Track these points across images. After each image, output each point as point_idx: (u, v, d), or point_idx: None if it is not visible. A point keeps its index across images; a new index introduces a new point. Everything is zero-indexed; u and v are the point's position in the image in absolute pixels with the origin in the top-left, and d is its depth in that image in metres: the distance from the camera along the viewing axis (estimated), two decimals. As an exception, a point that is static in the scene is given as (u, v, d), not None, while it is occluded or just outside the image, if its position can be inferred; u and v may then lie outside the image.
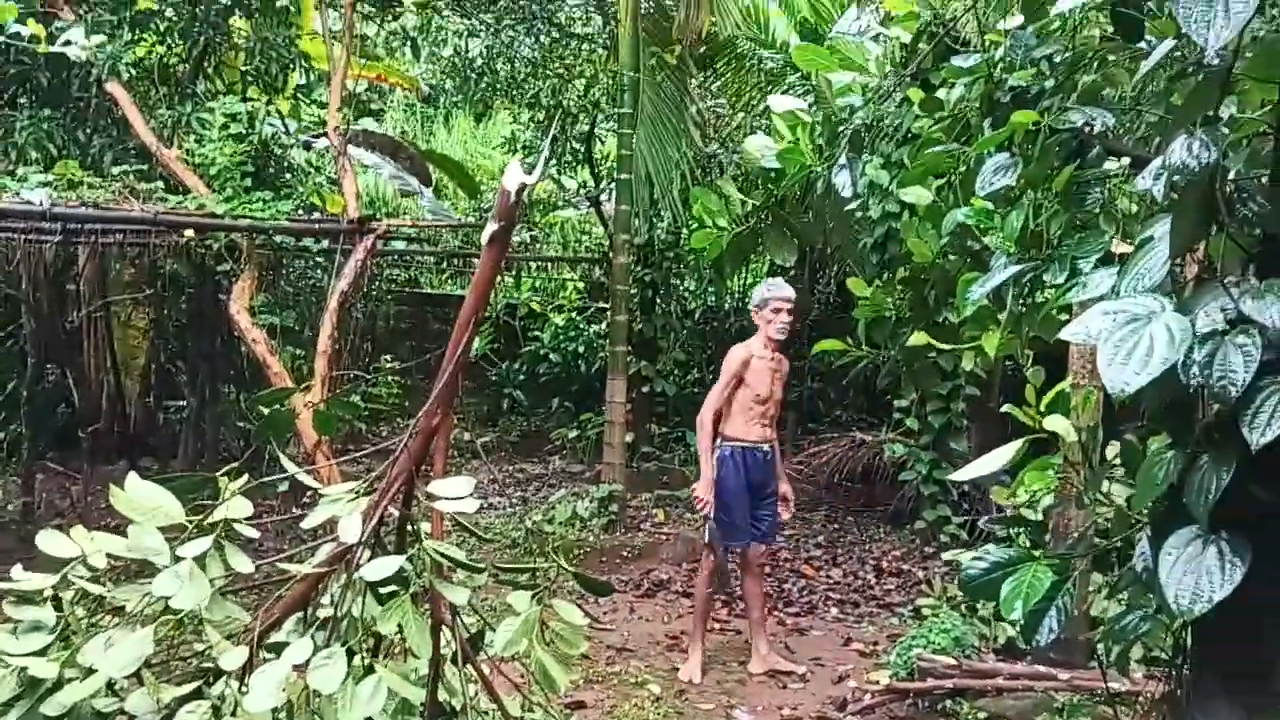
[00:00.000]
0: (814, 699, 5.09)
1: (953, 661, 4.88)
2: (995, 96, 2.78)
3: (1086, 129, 2.62)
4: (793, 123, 3.53)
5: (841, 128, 3.40)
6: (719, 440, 5.33)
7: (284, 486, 6.91)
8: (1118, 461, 2.44)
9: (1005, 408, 2.44)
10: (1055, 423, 2.23)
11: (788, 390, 5.72)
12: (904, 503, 8.18)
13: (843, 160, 3.37)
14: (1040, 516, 5.02)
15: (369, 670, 2.37)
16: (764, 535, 5.50)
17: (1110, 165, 2.76)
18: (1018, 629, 5.13)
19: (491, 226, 2.53)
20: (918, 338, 2.90)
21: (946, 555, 6.60)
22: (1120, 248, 2.50)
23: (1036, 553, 2.28)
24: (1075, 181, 2.64)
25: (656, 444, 10.76)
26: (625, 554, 7.62)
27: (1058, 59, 2.66)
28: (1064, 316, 2.68)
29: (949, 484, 7.76)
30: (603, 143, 12.09)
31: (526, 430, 11.87)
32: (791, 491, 5.54)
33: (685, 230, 10.67)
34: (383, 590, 2.89)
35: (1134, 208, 2.76)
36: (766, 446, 5.39)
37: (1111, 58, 2.66)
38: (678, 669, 5.35)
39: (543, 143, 10.55)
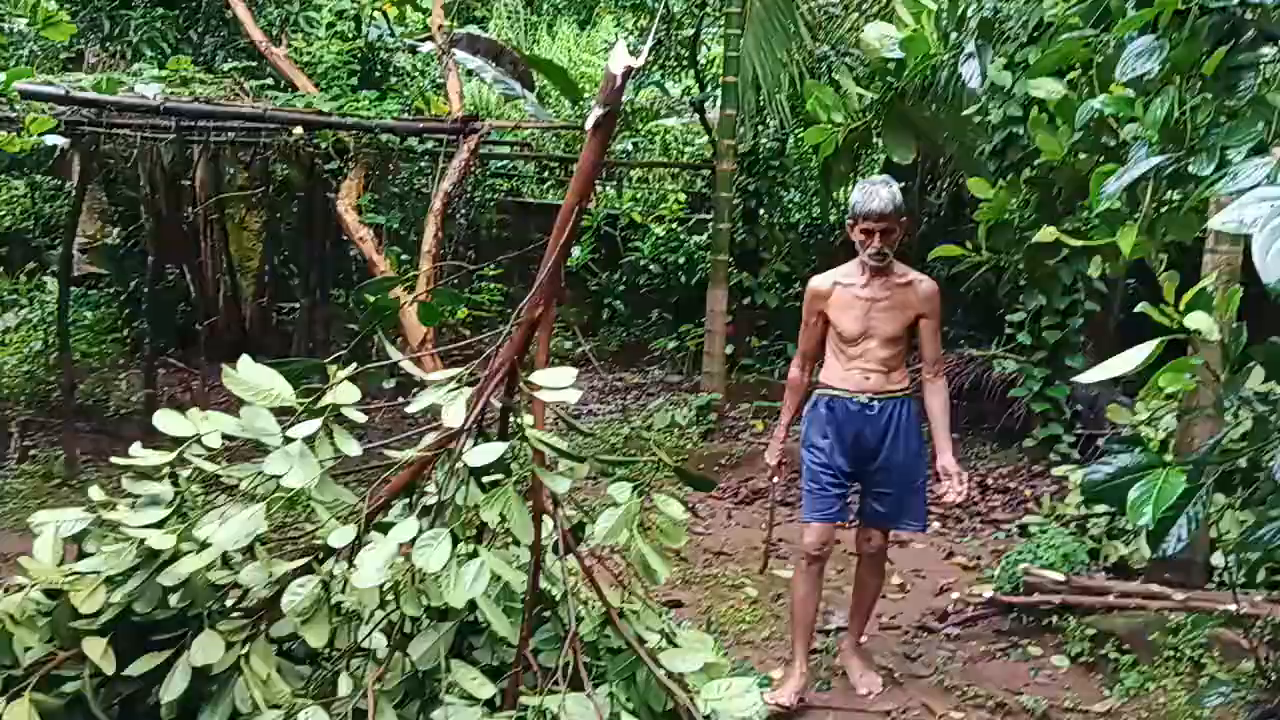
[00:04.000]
0: (914, 609, 5.04)
1: (1060, 577, 4.76)
2: (1140, -26, 2.56)
3: (1241, 9, 2.39)
4: (916, 10, 3.34)
5: (970, 12, 3.19)
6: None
7: (390, 383, 7.08)
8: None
9: (1140, 306, 2.28)
10: (1197, 319, 2.08)
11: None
12: (1013, 420, 7.95)
13: (970, 48, 3.17)
14: (1162, 435, 4.81)
15: (473, 554, 2.40)
16: (883, 517, 4.13)
17: (1266, 50, 2.53)
18: (1143, 537, 4.97)
19: (596, 111, 2.46)
20: (1045, 233, 2.73)
21: (1057, 471, 6.41)
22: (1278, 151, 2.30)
23: (1168, 458, 2.14)
24: (1226, 67, 2.43)
25: (756, 356, 10.65)
26: (723, 462, 7.61)
27: (1213, -72, 2.43)
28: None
29: (1061, 402, 7.51)
30: (708, 48, 11.77)
31: (626, 340, 11.88)
32: (955, 467, 4.07)
33: (792, 137, 10.39)
34: (485, 479, 2.91)
35: (1290, 98, 2.53)
36: (867, 398, 4.03)
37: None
38: (776, 574, 5.32)
39: (647, 34, 10.30)
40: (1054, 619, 4.60)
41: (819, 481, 4.01)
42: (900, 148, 3.83)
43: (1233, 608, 3.89)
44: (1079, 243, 2.78)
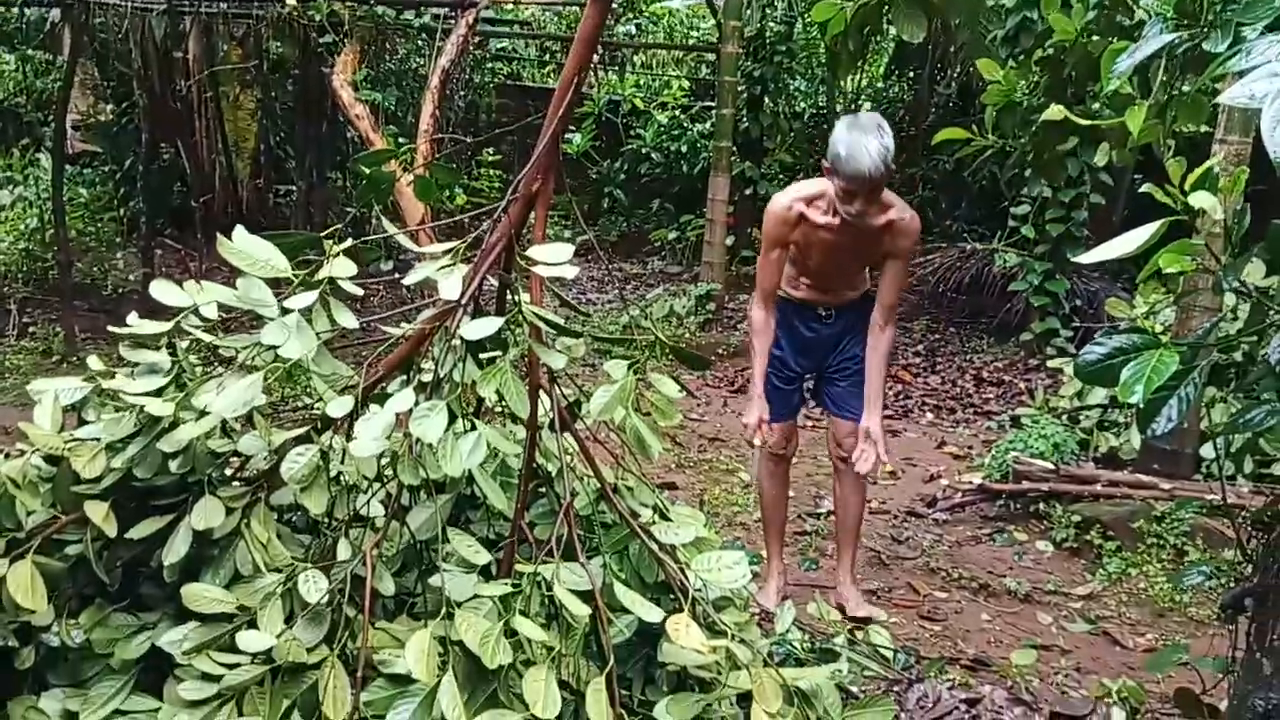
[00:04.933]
0: (903, 495, 5.12)
1: (1050, 466, 4.83)
2: None
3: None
4: (930, -121, 3.22)
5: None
6: None
7: (388, 265, 7.05)
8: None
9: (1145, 186, 2.25)
10: (1201, 198, 2.05)
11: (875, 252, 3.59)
12: (1011, 315, 7.97)
13: (984, -81, 3.07)
14: (1160, 328, 4.82)
15: (470, 427, 2.42)
16: (841, 404, 3.82)
17: (1291, -76, 2.44)
18: (1134, 429, 5.02)
19: (599, -24, 2.39)
20: (1053, 111, 2.68)
21: (1052, 364, 6.45)
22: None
23: (1162, 338, 2.14)
24: (1247, -59, 2.34)
25: (757, 248, 10.59)
26: (720, 351, 7.64)
27: None
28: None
29: (1061, 296, 7.51)
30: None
31: (626, 231, 11.79)
32: (879, 431, 3.52)
33: (800, 22, 10.13)
34: (482, 356, 2.92)
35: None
36: (824, 310, 3.77)
37: None
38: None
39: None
40: (1041, 506, 4.69)
41: (775, 382, 3.81)
42: (912, 25, 3.72)
43: (1218, 497, 3.96)
44: (1088, 122, 2.73)
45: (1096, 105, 3.33)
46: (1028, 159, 3.98)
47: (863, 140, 3.24)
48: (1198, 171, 2.25)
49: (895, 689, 2.89)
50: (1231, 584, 2.97)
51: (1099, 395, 5.54)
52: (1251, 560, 2.23)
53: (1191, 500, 4.18)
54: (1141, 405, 2.02)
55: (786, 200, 3.56)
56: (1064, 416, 5.59)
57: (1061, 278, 7.48)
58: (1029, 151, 3.75)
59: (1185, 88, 2.59)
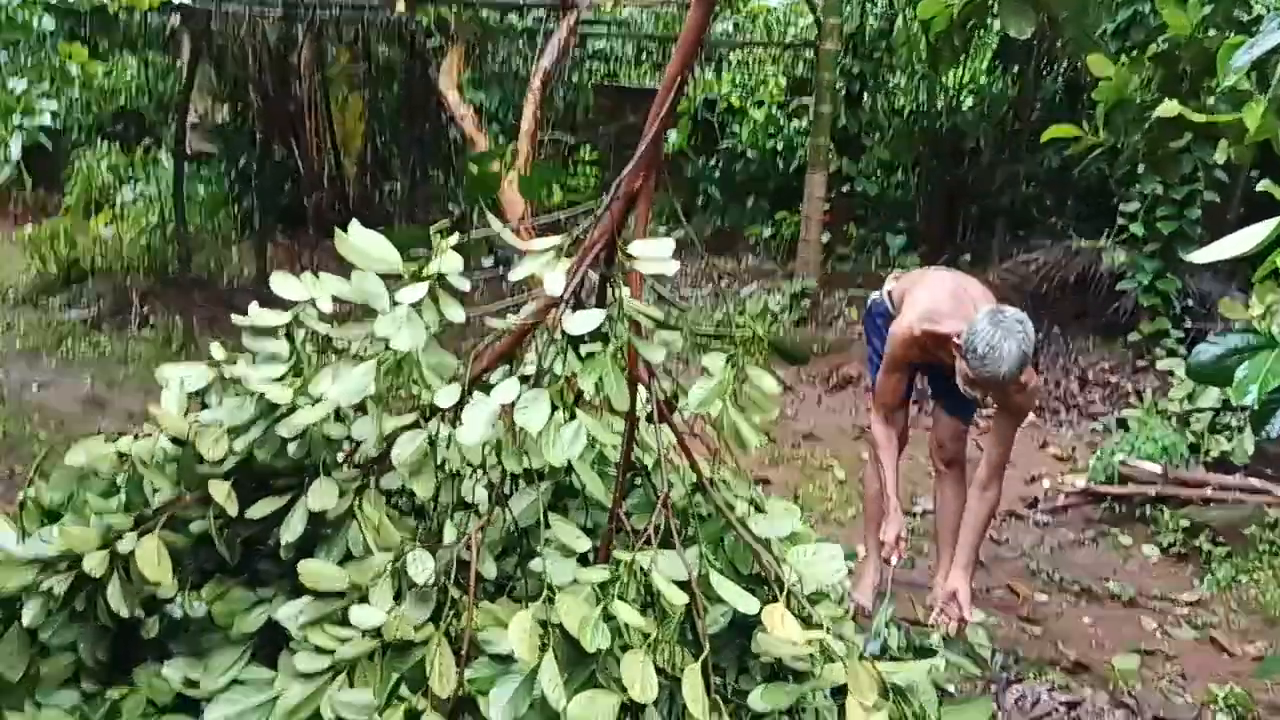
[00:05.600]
0: (1004, 496, 5.02)
1: (1157, 469, 4.70)
2: None
3: None
4: None
5: None
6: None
7: (489, 260, 7.19)
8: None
9: (1263, 184, 2.20)
10: (1320, 194, 2.00)
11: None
12: (1119, 315, 7.74)
13: (1094, -90, 3.02)
14: (1277, 329, 4.64)
15: (571, 417, 2.48)
16: (946, 404, 3.71)
17: None
18: (1247, 433, 4.86)
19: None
20: (1167, 107, 2.62)
21: (1162, 365, 6.26)
22: None
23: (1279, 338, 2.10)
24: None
25: (854, 245, 10.49)
26: (815, 349, 7.60)
27: None
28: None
29: (1171, 295, 7.28)
30: (816, -79, 11.30)
31: (720, 228, 11.79)
32: (966, 594, 3.29)
33: (901, 18, 10.00)
34: (583, 349, 2.98)
35: None
36: None
37: None
38: (863, 457, 5.35)
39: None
40: (1147, 510, 4.57)
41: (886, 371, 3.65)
42: (1019, 20, 3.67)
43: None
44: (1203, 118, 2.67)
45: (1212, 101, 3.24)
46: (1140, 155, 3.86)
47: (1004, 344, 3.04)
48: (1317, 166, 2.19)
49: (993, 688, 2.86)
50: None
51: (1211, 397, 5.36)
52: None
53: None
54: (1256, 407, 1.98)
55: (928, 324, 3.38)
56: (1173, 419, 5.42)
57: (1173, 277, 7.24)
58: (1141, 148, 3.66)
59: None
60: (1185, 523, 4.33)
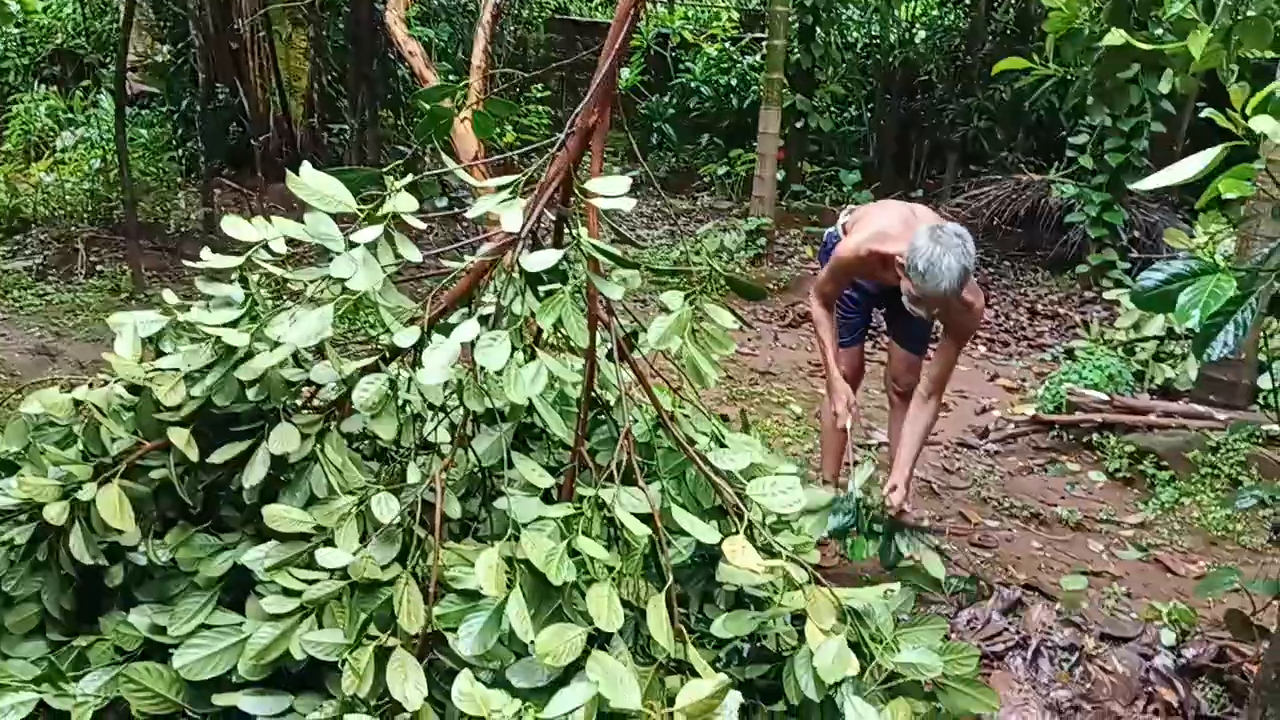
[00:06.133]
0: (955, 427, 5.14)
1: (1104, 397, 4.82)
2: None
3: None
4: None
5: None
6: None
7: (442, 201, 7.12)
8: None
9: (1206, 111, 2.24)
10: (1263, 123, 2.04)
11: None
12: (1067, 247, 7.87)
13: None
14: (1220, 259, 4.75)
15: (531, 356, 2.49)
16: (902, 338, 3.77)
17: None
18: (1190, 361, 4.94)
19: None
20: (1115, 35, 2.65)
21: (1109, 295, 6.38)
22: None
23: (1221, 264, 2.15)
24: None
25: (808, 183, 10.50)
26: (771, 286, 7.65)
27: None
28: None
29: (1119, 228, 7.40)
30: None
31: (675, 166, 11.74)
32: (902, 494, 3.33)
33: (853, -51, 9.92)
34: (541, 289, 2.98)
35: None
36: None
37: None
38: (820, 392, 5.42)
39: None
40: (1094, 437, 4.69)
41: (844, 305, 3.75)
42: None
43: (1275, 426, 3.94)
44: (1150, 47, 2.70)
45: (1160, 31, 3.27)
46: (1089, 87, 3.90)
47: (944, 260, 3.08)
48: (1260, 95, 2.24)
49: (946, 612, 2.95)
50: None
51: (1155, 327, 5.49)
52: (1306, 485, 2.25)
53: (1247, 424, 4.15)
54: (1198, 330, 2.04)
55: (862, 248, 3.42)
56: (1119, 349, 5.55)
57: (1120, 208, 7.36)
58: (1090, 79, 3.70)
59: (1250, 11, 2.55)
60: (1130, 449, 4.45)
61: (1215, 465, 4.24)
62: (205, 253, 2.71)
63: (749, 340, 6.53)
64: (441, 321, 2.66)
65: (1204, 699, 2.48)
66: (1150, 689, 2.52)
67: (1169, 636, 2.72)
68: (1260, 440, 4.26)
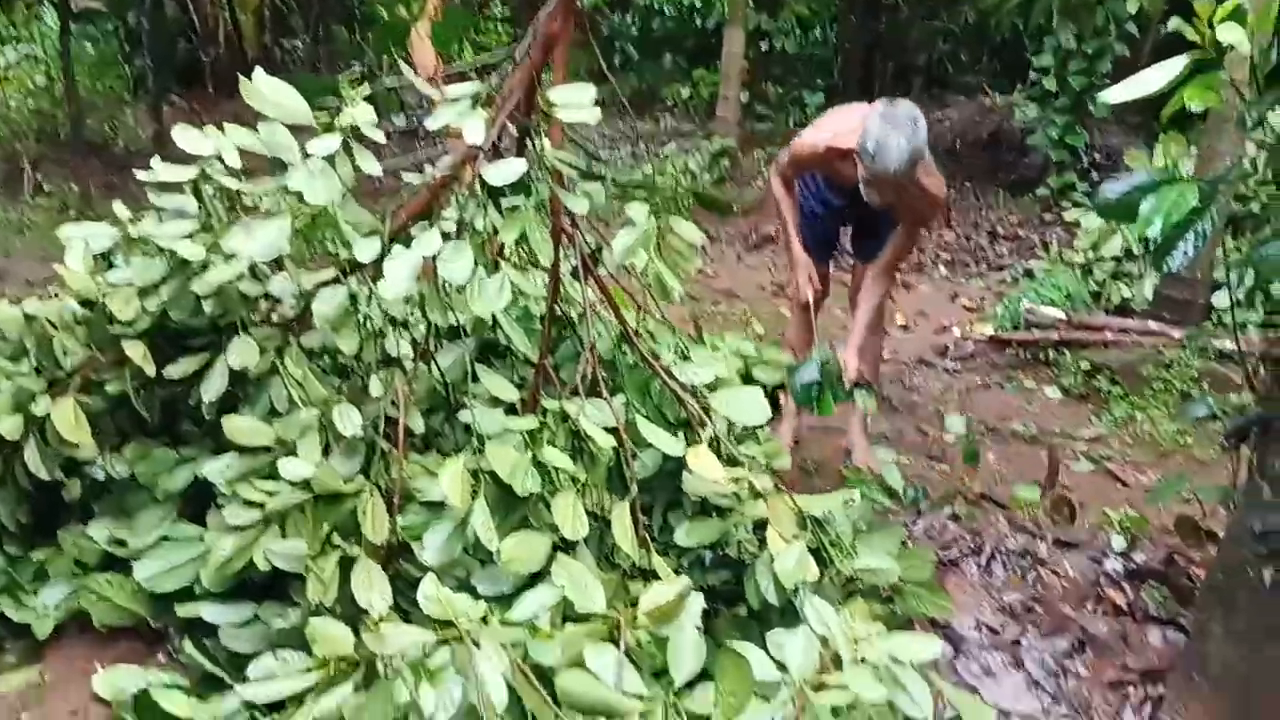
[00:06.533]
0: (916, 345, 5.19)
1: (1061, 314, 4.88)
2: None
3: None
4: None
5: None
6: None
7: (400, 119, 6.98)
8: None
9: (1173, 22, 2.23)
10: (1229, 32, 2.03)
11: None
12: (1030, 169, 7.89)
13: None
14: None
15: (495, 269, 2.47)
16: (865, 257, 3.77)
17: None
18: (1146, 283, 4.98)
19: None
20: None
21: (1069, 216, 6.43)
22: None
23: (1183, 174, 2.16)
24: None
25: (773, 104, 10.40)
26: (735, 208, 7.62)
27: None
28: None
29: (1080, 150, 7.42)
30: None
31: (638, 87, 11.56)
32: (854, 364, 3.34)
33: None
34: (504, 203, 2.94)
35: None
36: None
37: None
38: (783, 314, 5.44)
39: None
40: (1051, 354, 4.75)
41: (810, 222, 3.71)
42: None
43: (1229, 344, 4.01)
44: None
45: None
46: (1054, 6, 3.84)
47: (893, 139, 3.05)
48: (1227, 5, 2.23)
49: (904, 520, 3.01)
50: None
51: (1113, 247, 5.54)
52: (1257, 391, 2.30)
53: (1200, 334, 4.23)
54: (1158, 239, 2.05)
55: (821, 142, 3.40)
56: (1078, 269, 5.60)
57: (1081, 131, 7.38)
58: (1055, -1, 3.65)
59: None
60: (1086, 365, 4.53)
61: (1168, 381, 4.32)
62: (156, 162, 2.64)
63: (712, 261, 6.52)
64: (402, 237, 2.62)
65: (1151, 601, 2.56)
66: (1100, 591, 2.60)
67: (1119, 542, 2.79)
68: (1213, 356, 4.34)
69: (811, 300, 3.59)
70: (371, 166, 2.56)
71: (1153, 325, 4.70)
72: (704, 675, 1.74)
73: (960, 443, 3.89)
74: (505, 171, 2.43)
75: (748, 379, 3.33)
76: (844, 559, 2.30)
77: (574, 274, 2.68)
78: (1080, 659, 2.39)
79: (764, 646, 1.76)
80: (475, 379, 2.53)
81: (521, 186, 2.74)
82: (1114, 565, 2.71)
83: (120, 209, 2.73)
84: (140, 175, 2.58)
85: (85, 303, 2.62)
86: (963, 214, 7.83)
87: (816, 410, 3.15)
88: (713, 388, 2.62)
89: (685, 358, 2.76)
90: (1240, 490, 2.22)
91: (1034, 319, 4.90)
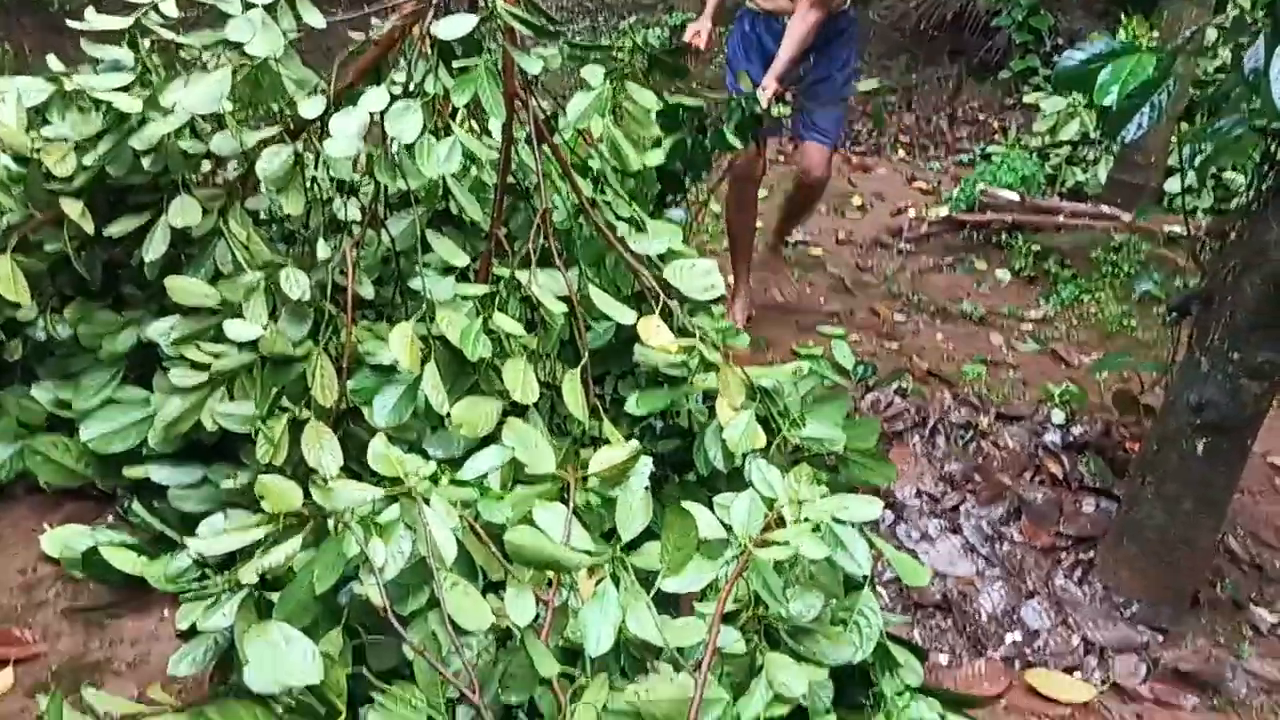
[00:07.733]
0: (870, 227, 5.19)
1: (1015, 197, 4.89)
2: None
3: None
4: None
5: None
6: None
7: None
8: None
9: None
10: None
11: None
12: (992, 53, 7.80)
13: None
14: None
15: (446, 132, 2.40)
16: (803, 130, 3.87)
17: None
18: (1102, 165, 4.98)
19: None
20: None
21: (1029, 98, 6.39)
22: None
23: (1142, 45, 2.14)
24: None
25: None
26: (696, 84, 7.46)
27: None
28: None
29: (1044, 33, 7.34)
30: None
31: (596, -44, 11.19)
32: (773, 86, 3.47)
33: None
34: (456, 65, 2.84)
35: None
36: (783, 18, 3.71)
37: None
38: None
39: None
40: (1003, 237, 4.79)
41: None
42: None
43: (1177, 228, 4.06)
44: None
45: None
46: None
47: None
48: None
49: (852, 395, 3.05)
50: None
51: (1071, 131, 5.54)
52: (1201, 267, 2.33)
53: (1151, 209, 4.27)
54: (1115, 108, 2.04)
55: None
56: (1034, 153, 5.61)
57: (1046, 13, 7.29)
58: None
59: None
60: (1036, 248, 4.57)
61: (1116, 264, 4.38)
62: (90, 12, 2.52)
63: (669, 139, 6.43)
64: (348, 95, 2.54)
65: (1087, 471, 2.64)
66: (1038, 462, 2.68)
67: (1059, 416, 2.86)
68: (1161, 241, 4.40)
69: (692, 40, 3.85)
70: (315, 19, 2.47)
71: (1105, 209, 4.73)
72: (651, 535, 1.77)
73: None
74: (455, 26, 2.34)
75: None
76: (791, 428, 2.33)
77: (528, 141, 2.62)
78: (1016, 525, 2.47)
79: (711, 510, 1.79)
80: (427, 248, 2.48)
81: (474, 44, 2.65)
82: (1053, 437, 2.78)
83: (54, 61, 2.62)
84: (73, 24, 2.46)
85: (20, 159, 2.53)
86: (923, 97, 7.76)
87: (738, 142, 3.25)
88: (665, 259, 2.60)
89: (640, 229, 2.73)
90: (1179, 364, 2.28)
91: (989, 201, 4.91)
